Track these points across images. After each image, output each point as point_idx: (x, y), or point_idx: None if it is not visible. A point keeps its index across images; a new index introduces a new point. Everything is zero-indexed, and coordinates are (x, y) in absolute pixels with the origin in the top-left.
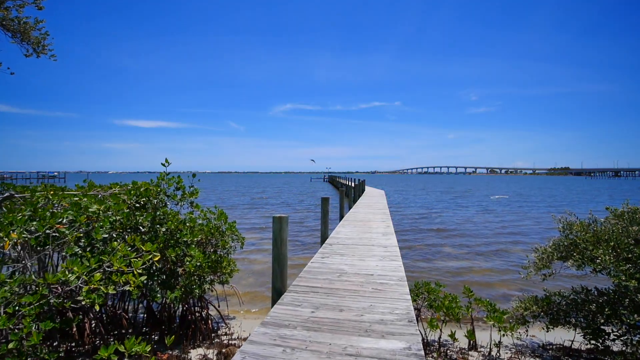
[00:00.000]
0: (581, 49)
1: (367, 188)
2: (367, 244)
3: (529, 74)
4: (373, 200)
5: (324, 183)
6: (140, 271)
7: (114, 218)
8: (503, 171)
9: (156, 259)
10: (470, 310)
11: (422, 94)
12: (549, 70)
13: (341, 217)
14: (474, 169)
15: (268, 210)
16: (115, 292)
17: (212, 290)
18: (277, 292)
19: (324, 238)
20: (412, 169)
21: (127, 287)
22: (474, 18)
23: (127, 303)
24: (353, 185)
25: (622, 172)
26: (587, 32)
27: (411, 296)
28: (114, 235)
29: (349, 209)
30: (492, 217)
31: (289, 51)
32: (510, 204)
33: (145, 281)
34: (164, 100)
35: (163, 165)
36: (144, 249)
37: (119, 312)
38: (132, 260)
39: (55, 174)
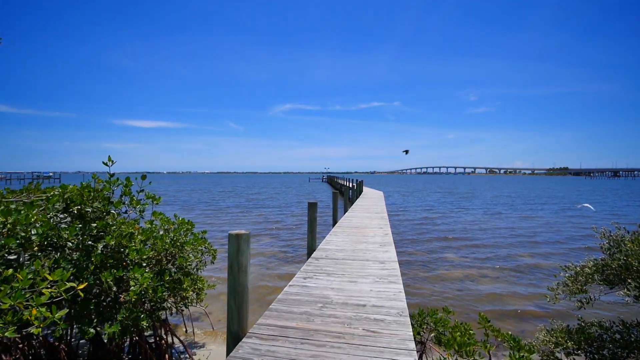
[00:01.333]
0: (581, 49)
1: (365, 189)
2: (361, 258)
3: (529, 74)
4: (371, 202)
5: (323, 183)
6: (44, 309)
7: (26, 234)
8: (502, 171)
9: (80, 287)
10: (488, 347)
11: (421, 94)
12: (549, 70)
13: (334, 222)
14: (473, 169)
15: (263, 212)
16: (17, 335)
17: (179, 313)
18: (234, 338)
19: (310, 250)
20: (411, 169)
21: (32, 330)
22: (474, 18)
23: (69, 330)
24: (350, 186)
25: (621, 172)
26: (587, 32)
27: (414, 327)
28: (27, 257)
29: (345, 212)
30: (500, 221)
31: (289, 51)
32: (517, 206)
33: (74, 312)
34: (163, 100)
35: (105, 164)
36: (50, 278)
37: (55, 343)
38: (43, 291)
39: (51, 174)
